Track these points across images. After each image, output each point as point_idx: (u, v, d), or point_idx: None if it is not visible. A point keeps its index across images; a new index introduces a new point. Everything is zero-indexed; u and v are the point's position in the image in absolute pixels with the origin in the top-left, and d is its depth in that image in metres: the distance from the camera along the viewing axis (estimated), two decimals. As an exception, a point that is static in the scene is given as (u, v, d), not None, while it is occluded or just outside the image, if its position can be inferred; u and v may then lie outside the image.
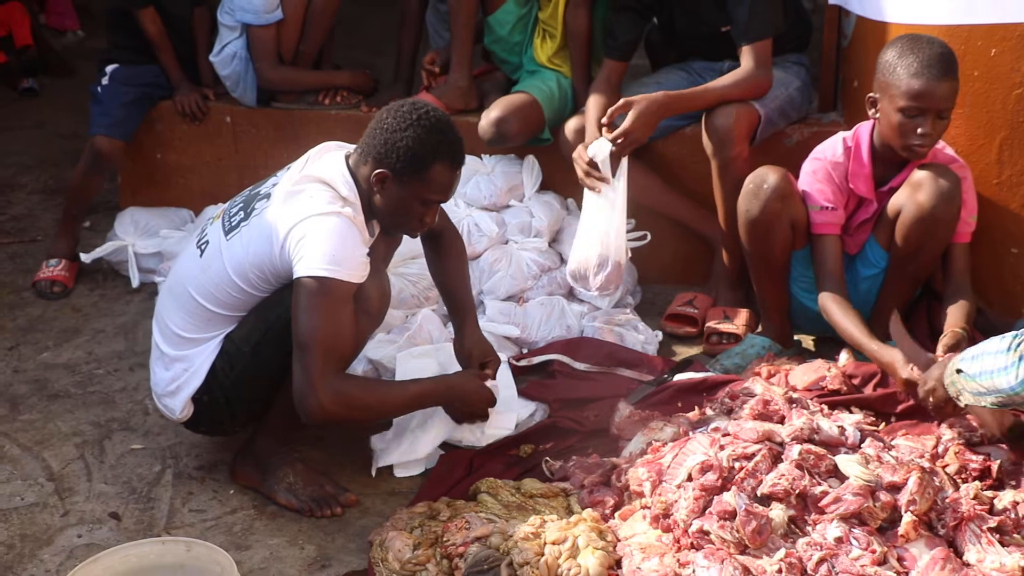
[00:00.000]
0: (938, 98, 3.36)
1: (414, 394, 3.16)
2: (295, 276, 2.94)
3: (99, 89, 4.63)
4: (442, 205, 3.23)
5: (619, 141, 3.78)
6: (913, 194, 3.46)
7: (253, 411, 3.22)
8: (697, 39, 4.18)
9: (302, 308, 2.92)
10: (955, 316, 3.43)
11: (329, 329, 2.92)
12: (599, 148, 3.83)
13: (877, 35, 3.83)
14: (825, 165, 3.60)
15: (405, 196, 3.07)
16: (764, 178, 3.59)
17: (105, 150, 4.55)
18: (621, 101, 3.84)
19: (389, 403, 3.14)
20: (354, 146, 3.19)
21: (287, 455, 3.25)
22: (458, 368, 3.37)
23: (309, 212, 2.98)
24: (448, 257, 3.45)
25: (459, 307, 3.46)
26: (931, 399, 3.04)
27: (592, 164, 3.81)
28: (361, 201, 3.08)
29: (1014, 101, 3.61)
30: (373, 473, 3.29)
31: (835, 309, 3.51)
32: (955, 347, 3.24)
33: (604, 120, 3.83)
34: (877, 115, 3.49)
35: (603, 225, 3.80)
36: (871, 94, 3.49)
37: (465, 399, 3.22)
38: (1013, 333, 2.69)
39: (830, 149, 3.63)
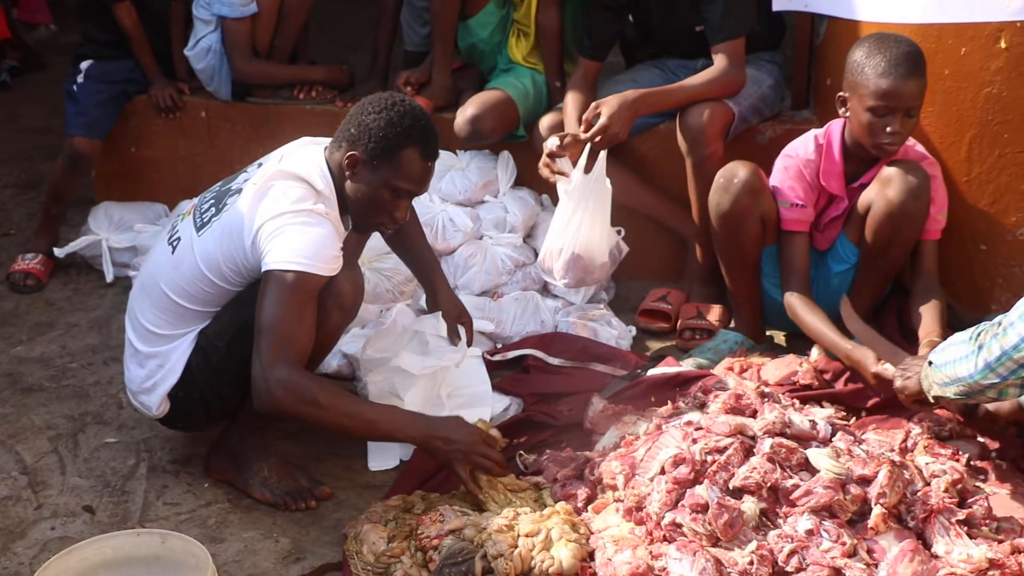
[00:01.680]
0: (906, 97, 3.40)
1: (378, 413, 3.08)
2: (264, 268, 2.95)
3: (74, 87, 4.60)
4: (416, 202, 3.23)
5: (597, 139, 3.80)
6: (883, 190, 3.50)
7: (228, 406, 3.22)
8: (672, 38, 4.20)
9: (267, 298, 2.91)
10: (929, 319, 3.44)
11: (290, 319, 2.90)
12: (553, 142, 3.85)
13: (850, 34, 3.86)
14: (797, 163, 3.64)
15: (375, 182, 3.07)
16: (735, 172, 3.63)
17: (84, 151, 4.53)
18: (592, 105, 3.86)
19: (344, 411, 2.96)
20: (326, 140, 3.20)
21: (262, 449, 3.25)
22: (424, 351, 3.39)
23: (282, 208, 2.98)
24: (405, 225, 3.38)
25: (425, 267, 3.54)
26: (904, 393, 3.07)
27: (552, 156, 3.83)
28: (336, 196, 3.09)
29: (983, 99, 3.65)
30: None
31: (801, 307, 3.56)
32: None
33: (582, 128, 3.84)
34: (847, 114, 3.53)
35: (567, 217, 3.81)
36: (841, 93, 3.53)
37: (451, 439, 3.02)
38: (976, 325, 2.74)
39: (802, 147, 3.66)
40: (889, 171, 3.51)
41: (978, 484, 3.03)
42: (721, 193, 3.64)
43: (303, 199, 3.01)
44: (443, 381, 3.48)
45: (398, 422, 3.03)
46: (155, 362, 3.17)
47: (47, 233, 4.58)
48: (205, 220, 3.13)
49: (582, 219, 3.79)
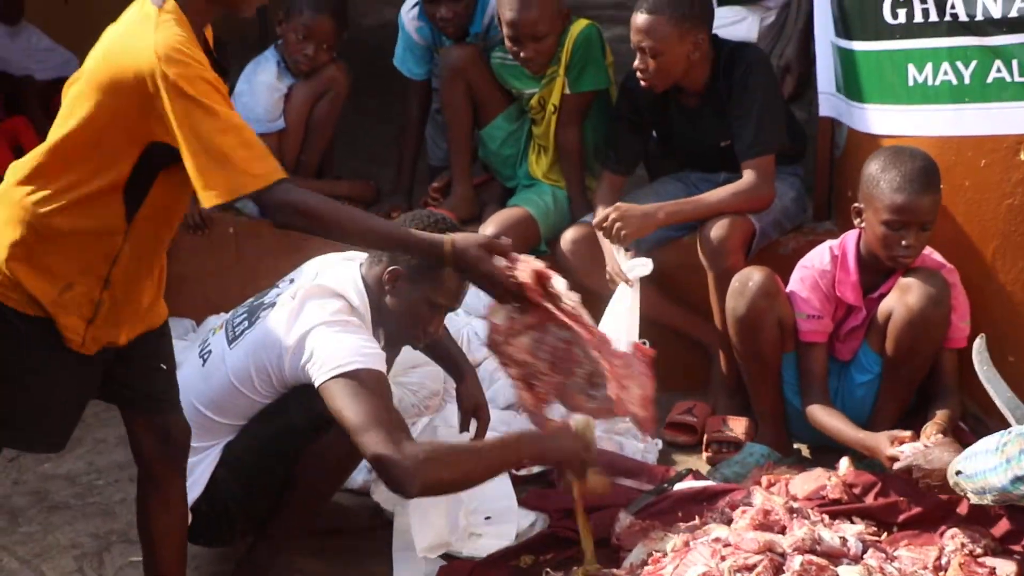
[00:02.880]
0: (920, 212, 3.44)
1: (502, 444, 3.06)
2: (317, 384, 2.91)
3: None
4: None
5: (616, 231, 3.87)
6: (902, 297, 3.51)
7: (253, 521, 3.21)
8: (695, 152, 4.26)
9: (341, 401, 2.84)
10: (940, 414, 3.47)
11: (378, 406, 2.83)
12: (635, 266, 3.91)
13: (870, 146, 3.90)
14: (812, 273, 3.66)
15: (415, 297, 3.11)
16: (749, 276, 3.66)
17: None
18: (613, 208, 3.92)
19: (472, 462, 2.92)
20: (361, 254, 3.24)
21: (287, 566, 3.23)
22: None
23: (318, 320, 2.99)
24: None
25: (450, 357, 3.54)
26: (924, 481, 3.06)
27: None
28: (371, 311, 3.12)
29: (1005, 211, 3.66)
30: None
31: (821, 414, 3.58)
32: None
33: (595, 223, 3.91)
34: (863, 225, 3.57)
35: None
36: (856, 204, 3.57)
37: (559, 447, 3.05)
38: (1003, 432, 2.73)
39: (817, 258, 3.69)
40: (908, 279, 3.53)
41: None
42: (737, 297, 3.66)
43: (339, 311, 3.03)
44: None
45: (514, 450, 3.00)
46: (179, 474, 3.16)
47: None
48: (237, 333, 3.16)
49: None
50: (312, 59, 4.55)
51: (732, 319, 3.70)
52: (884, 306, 3.59)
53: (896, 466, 3.25)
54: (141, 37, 2.48)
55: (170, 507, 2.92)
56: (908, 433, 3.32)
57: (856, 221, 3.59)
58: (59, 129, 2.57)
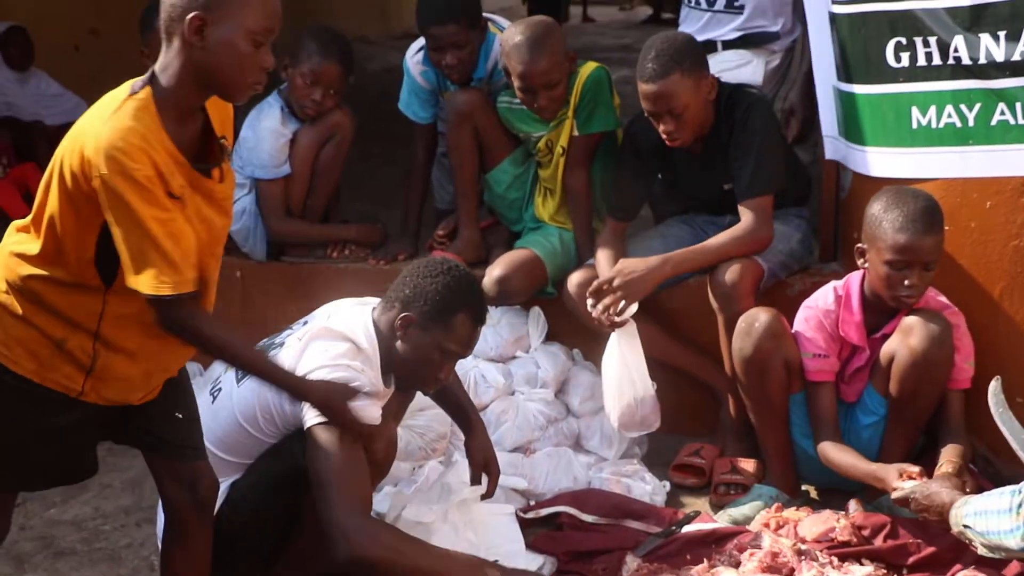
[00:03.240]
0: (923, 252, 3.45)
1: (445, 554, 3.09)
2: (306, 425, 2.97)
3: None
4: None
5: (618, 300, 3.86)
6: (905, 339, 3.51)
7: (257, 561, 3.20)
8: (701, 195, 4.27)
9: (318, 451, 2.92)
10: (947, 453, 3.46)
11: (348, 468, 2.92)
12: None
13: (875, 188, 3.90)
14: (816, 313, 3.67)
15: (426, 344, 3.14)
16: (755, 317, 3.67)
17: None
18: (608, 277, 3.92)
19: (421, 554, 3.00)
20: (375, 300, 3.27)
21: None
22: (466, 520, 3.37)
23: (319, 363, 3.02)
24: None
25: (460, 410, 3.56)
26: (922, 516, 3.11)
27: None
28: (380, 355, 3.13)
29: (1011, 252, 3.67)
30: None
31: (833, 451, 3.58)
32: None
33: (591, 292, 3.92)
34: (866, 264, 3.58)
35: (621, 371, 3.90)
36: (859, 244, 3.58)
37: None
38: (1013, 489, 2.71)
39: (821, 298, 3.70)
40: (910, 320, 3.53)
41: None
42: (743, 338, 3.67)
43: (342, 356, 3.05)
44: (467, 525, 3.46)
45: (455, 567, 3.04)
46: (185, 513, 3.16)
47: None
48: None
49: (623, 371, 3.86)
50: (319, 104, 4.58)
51: (739, 360, 3.70)
52: (887, 348, 3.59)
53: (895, 495, 3.25)
54: (96, 123, 2.53)
55: (192, 557, 2.94)
56: (917, 469, 3.31)
57: (860, 261, 3.60)
58: (37, 198, 2.64)
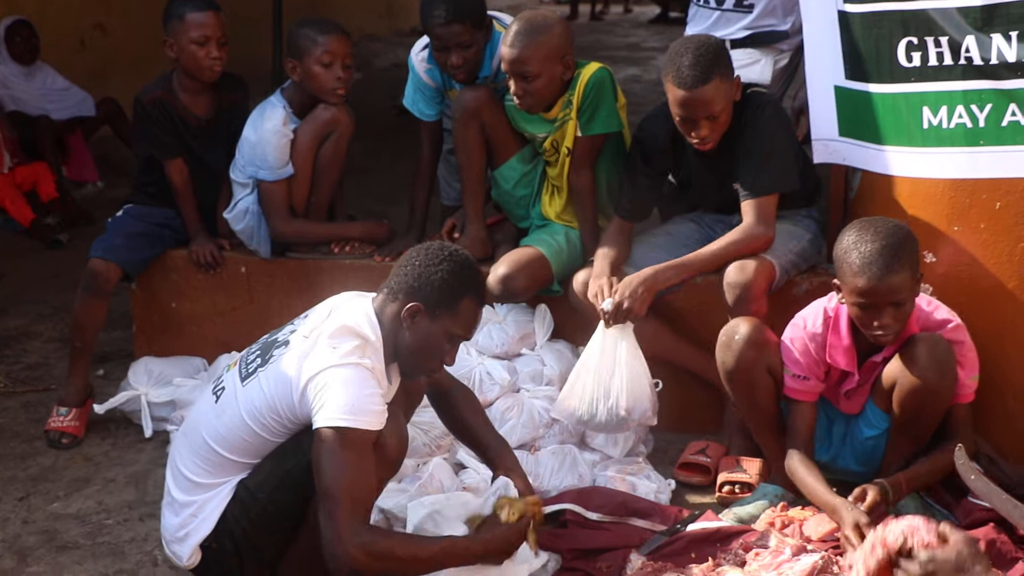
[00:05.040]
0: (885, 293, 3.33)
1: (444, 548, 3.06)
2: (315, 426, 2.96)
3: (109, 221, 4.75)
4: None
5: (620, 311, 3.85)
6: (905, 369, 3.46)
7: (263, 561, 3.19)
8: (710, 194, 4.25)
9: (325, 458, 2.92)
10: (917, 465, 3.46)
11: (353, 478, 2.91)
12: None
13: (883, 187, 3.90)
14: (803, 336, 3.61)
15: (434, 331, 3.14)
16: (736, 329, 3.66)
17: (99, 270, 4.51)
18: (611, 284, 3.92)
19: (419, 555, 3.00)
20: (373, 294, 3.24)
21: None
22: (469, 515, 3.36)
23: (329, 362, 3.00)
24: (469, 412, 3.52)
25: (497, 448, 3.49)
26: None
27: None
28: (384, 345, 3.12)
29: (1020, 253, 3.66)
30: None
31: (801, 469, 3.53)
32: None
33: (590, 295, 3.92)
34: (842, 301, 3.49)
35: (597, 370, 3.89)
36: (835, 279, 3.49)
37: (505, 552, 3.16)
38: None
39: (811, 318, 3.63)
40: (911, 348, 3.46)
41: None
42: (724, 351, 3.66)
43: (351, 353, 3.04)
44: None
45: (459, 553, 3.07)
46: (189, 511, 3.16)
47: (78, 378, 4.57)
48: (250, 371, 3.16)
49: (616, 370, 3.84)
50: (345, 81, 4.57)
51: (723, 372, 3.69)
52: (889, 372, 3.53)
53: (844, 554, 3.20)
54: None
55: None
56: (869, 498, 3.27)
57: (837, 296, 3.51)
58: None
